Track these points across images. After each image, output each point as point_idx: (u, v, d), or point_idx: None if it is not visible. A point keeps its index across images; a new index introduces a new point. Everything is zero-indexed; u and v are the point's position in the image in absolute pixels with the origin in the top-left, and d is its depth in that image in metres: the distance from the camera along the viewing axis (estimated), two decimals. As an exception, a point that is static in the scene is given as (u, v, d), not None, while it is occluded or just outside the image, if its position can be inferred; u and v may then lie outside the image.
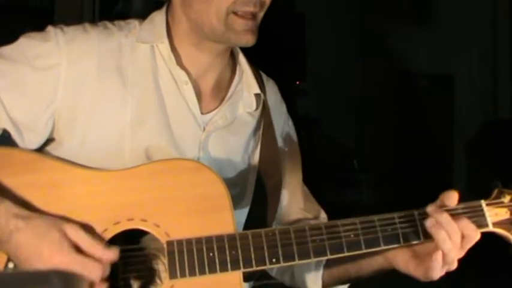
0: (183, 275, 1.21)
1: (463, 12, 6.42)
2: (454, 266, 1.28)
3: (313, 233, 1.27)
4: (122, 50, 1.37)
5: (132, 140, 1.33)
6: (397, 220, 1.30)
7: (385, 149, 6.43)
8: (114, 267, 1.21)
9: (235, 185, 1.40)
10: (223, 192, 1.26)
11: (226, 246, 1.23)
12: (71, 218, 1.21)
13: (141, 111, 1.35)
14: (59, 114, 1.33)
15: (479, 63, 6.60)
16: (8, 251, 1.17)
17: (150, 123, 1.35)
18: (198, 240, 1.22)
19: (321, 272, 1.47)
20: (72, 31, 1.36)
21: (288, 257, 1.25)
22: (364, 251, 1.28)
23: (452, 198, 1.30)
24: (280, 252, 1.24)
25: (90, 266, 1.15)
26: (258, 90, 1.48)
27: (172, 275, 1.21)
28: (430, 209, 1.28)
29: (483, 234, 1.29)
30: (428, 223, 1.26)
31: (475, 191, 1.36)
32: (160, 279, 1.27)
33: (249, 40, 1.36)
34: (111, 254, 1.18)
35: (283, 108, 1.61)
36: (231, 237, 1.23)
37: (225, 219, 1.25)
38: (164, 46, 1.39)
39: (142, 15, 1.47)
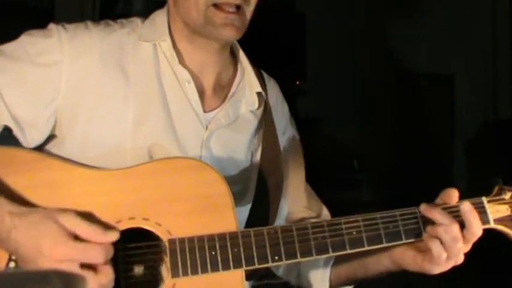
0: (185, 274, 1.21)
1: (463, 12, 6.42)
2: (461, 259, 1.28)
3: (315, 231, 1.27)
4: (124, 47, 1.37)
5: (134, 138, 1.33)
6: (398, 217, 1.30)
7: (385, 149, 6.42)
8: (116, 265, 1.21)
9: (237, 183, 1.40)
10: (225, 190, 1.26)
11: (228, 244, 1.23)
12: None
13: (143, 109, 1.35)
14: (61, 112, 1.33)
15: (479, 63, 6.59)
16: (8, 249, 1.18)
17: (153, 121, 1.35)
18: (200, 239, 1.22)
19: (328, 271, 1.46)
20: (74, 28, 1.36)
21: (290, 255, 1.25)
22: (367, 248, 1.28)
23: (452, 196, 1.31)
24: (282, 250, 1.25)
25: (92, 251, 1.15)
26: (259, 89, 1.48)
27: (175, 274, 1.21)
28: (422, 208, 1.30)
29: (484, 232, 1.29)
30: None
31: (475, 191, 1.36)
32: (162, 277, 1.27)
33: (229, 34, 1.34)
34: (112, 235, 1.18)
35: (285, 107, 1.61)
36: (233, 235, 1.23)
37: (227, 218, 1.25)
38: (166, 44, 1.39)
39: (143, 16, 1.47)
